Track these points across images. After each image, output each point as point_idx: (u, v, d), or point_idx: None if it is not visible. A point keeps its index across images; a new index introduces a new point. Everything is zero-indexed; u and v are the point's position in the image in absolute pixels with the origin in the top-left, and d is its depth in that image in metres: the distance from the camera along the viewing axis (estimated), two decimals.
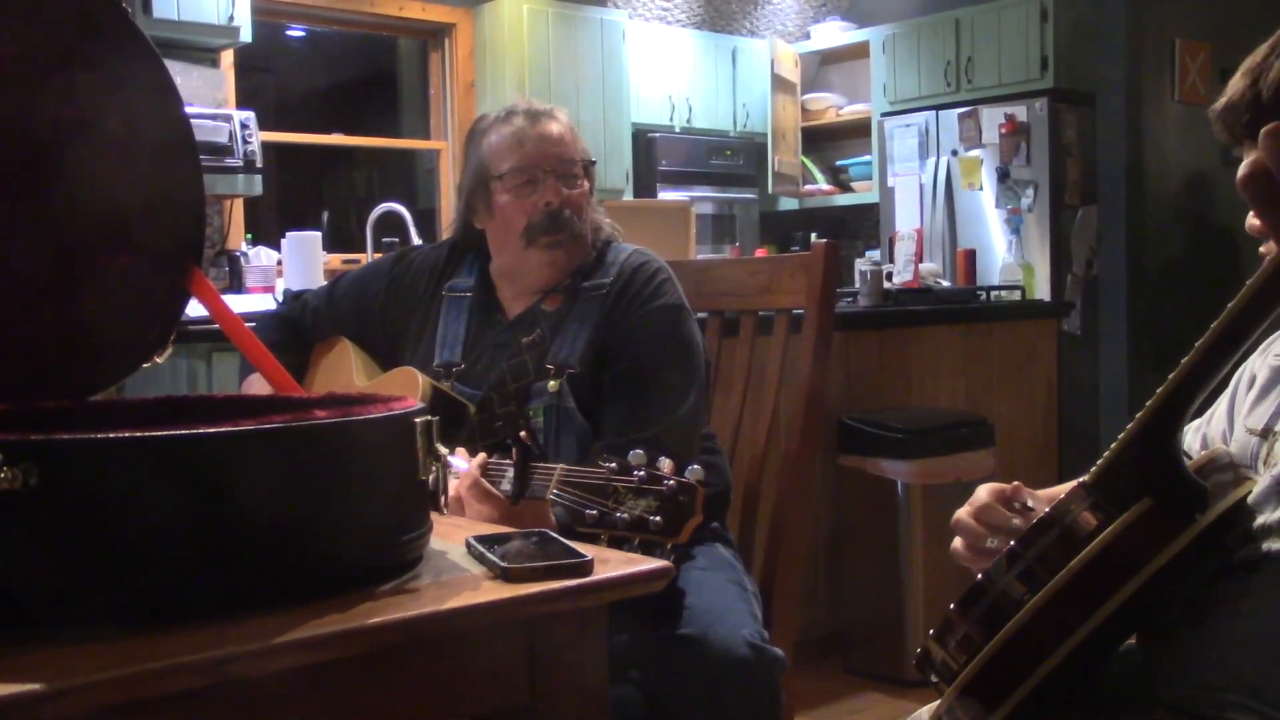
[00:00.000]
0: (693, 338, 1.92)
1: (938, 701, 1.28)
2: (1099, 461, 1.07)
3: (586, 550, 1.03)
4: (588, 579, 0.99)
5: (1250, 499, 1.10)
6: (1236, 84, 1.11)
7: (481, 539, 1.06)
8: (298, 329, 2.16)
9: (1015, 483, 1.25)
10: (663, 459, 1.36)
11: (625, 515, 1.33)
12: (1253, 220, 1.13)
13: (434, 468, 1.01)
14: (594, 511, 1.36)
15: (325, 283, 2.30)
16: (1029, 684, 1.04)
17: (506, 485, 1.58)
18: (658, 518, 1.32)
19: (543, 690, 1.00)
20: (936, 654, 1.11)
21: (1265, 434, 1.16)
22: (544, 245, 1.92)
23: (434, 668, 0.96)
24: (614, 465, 1.38)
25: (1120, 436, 1.06)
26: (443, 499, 1.03)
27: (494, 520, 1.56)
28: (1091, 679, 1.12)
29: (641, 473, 1.35)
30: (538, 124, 1.96)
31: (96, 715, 0.77)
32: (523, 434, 1.62)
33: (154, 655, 0.79)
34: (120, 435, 0.83)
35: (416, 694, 0.95)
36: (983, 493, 1.24)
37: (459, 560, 1.05)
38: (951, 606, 1.10)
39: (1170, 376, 1.02)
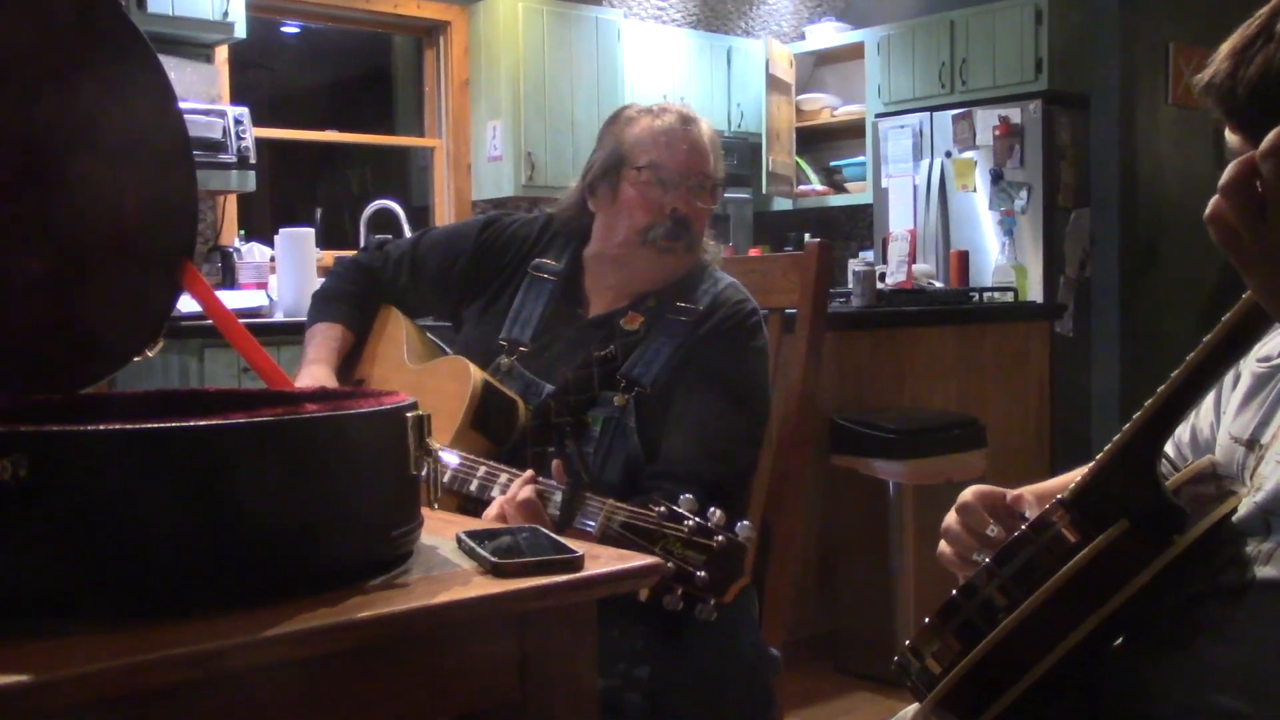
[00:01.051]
0: (768, 388, 1.90)
1: (915, 706, 1.28)
2: (1078, 479, 1.07)
3: (577, 546, 1.03)
4: (578, 574, 0.99)
5: (1236, 520, 1.10)
6: (1221, 64, 1.08)
7: (472, 534, 1.06)
8: (375, 280, 2.10)
9: (1019, 491, 1.23)
10: (714, 509, 1.33)
11: (671, 565, 1.30)
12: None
13: (425, 462, 1.01)
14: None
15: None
16: (1006, 698, 1.04)
17: (553, 510, 1.54)
18: (704, 573, 1.29)
19: (533, 686, 1.00)
20: (913, 664, 1.11)
21: (1250, 445, 1.16)
22: (660, 249, 1.88)
23: (424, 663, 0.95)
24: (664, 510, 1.35)
25: (1099, 456, 1.06)
26: (436, 493, 1.03)
27: None
28: (1069, 695, 1.12)
29: (692, 522, 1.32)
30: (687, 129, 1.91)
31: (85, 708, 0.77)
32: (556, 462, 1.58)
33: (143, 648, 0.79)
34: (110, 428, 0.83)
35: (407, 689, 0.95)
36: (967, 494, 1.23)
37: (450, 555, 1.05)
38: (928, 618, 1.10)
39: (1149, 402, 1.03)
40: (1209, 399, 1.28)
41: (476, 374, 1.81)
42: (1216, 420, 1.25)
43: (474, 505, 1.63)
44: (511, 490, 1.58)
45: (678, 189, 1.88)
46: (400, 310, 2.08)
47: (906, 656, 1.12)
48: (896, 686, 3.49)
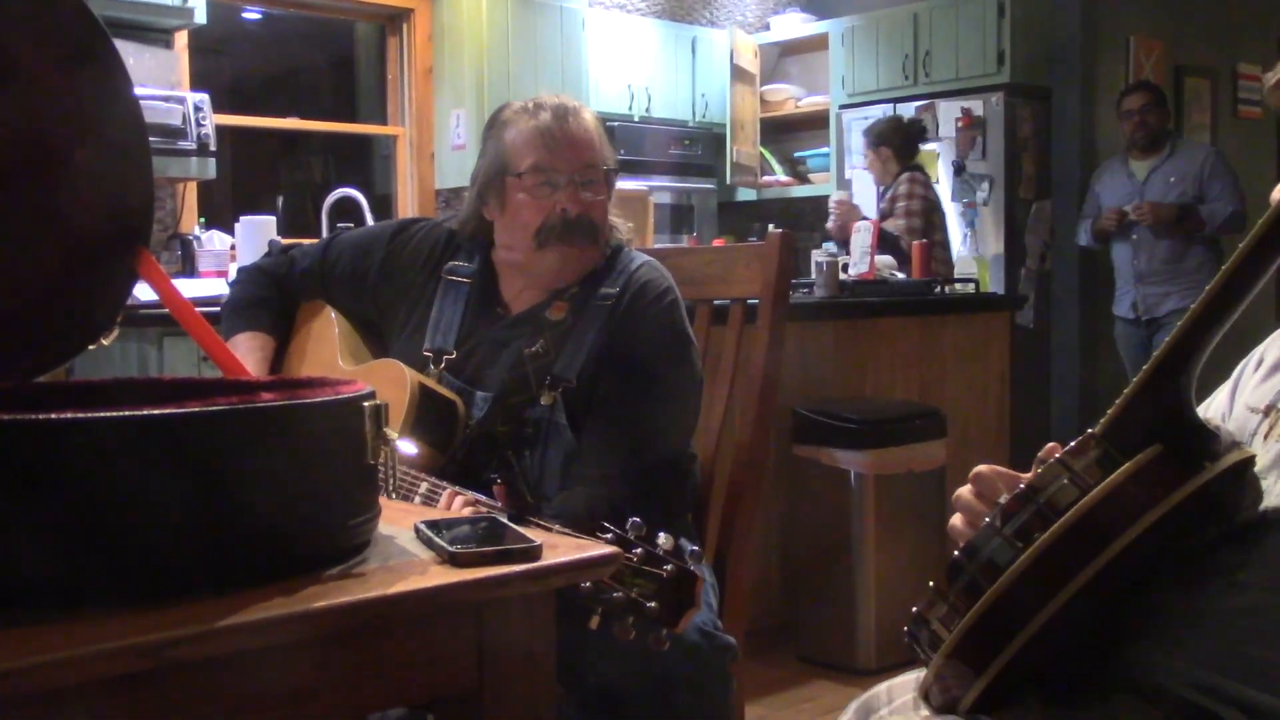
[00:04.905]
0: (694, 368, 1.89)
1: (919, 672, 1.28)
2: (1109, 411, 1.05)
3: (535, 535, 1.02)
4: (536, 564, 0.99)
5: (1257, 468, 1.09)
6: None
7: (430, 524, 1.06)
8: (282, 285, 2.07)
9: (1052, 445, 1.19)
10: (662, 535, 1.32)
11: (621, 595, 1.28)
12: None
13: (382, 452, 1.01)
14: (588, 585, 1.29)
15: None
16: (1022, 636, 1.01)
17: None
18: (654, 604, 1.27)
19: (491, 675, 1.00)
20: (922, 633, 1.10)
21: (1268, 411, 1.16)
22: (557, 250, 1.86)
23: (381, 652, 0.95)
24: (610, 535, 1.33)
25: (1129, 387, 1.04)
26: (390, 482, 1.03)
27: None
28: (1079, 648, 1.11)
29: (640, 550, 1.30)
30: (565, 123, 1.87)
31: (33, 699, 0.76)
32: (497, 484, 1.56)
33: (94, 638, 0.79)
34: (61, 416, 0.82)
35: (364, 678, 0.95)
36: (981, 467, 1.23)
37: (407, 545, 1.05)
38: (932, 582, 1.09)
39: (1179, 323, 1.01)
40: (1224, 393, 1.28)
41: (413, 377, 1.79)
42: (1230, 410, 1.25)
43: None
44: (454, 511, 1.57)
45: (565, 188, 1.86)
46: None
47: (914, 626, 1.11)
48: (861, 673, 3.51)
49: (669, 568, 1.29)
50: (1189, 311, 1.01)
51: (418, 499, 1.65)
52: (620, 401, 1.80)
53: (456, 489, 1.65)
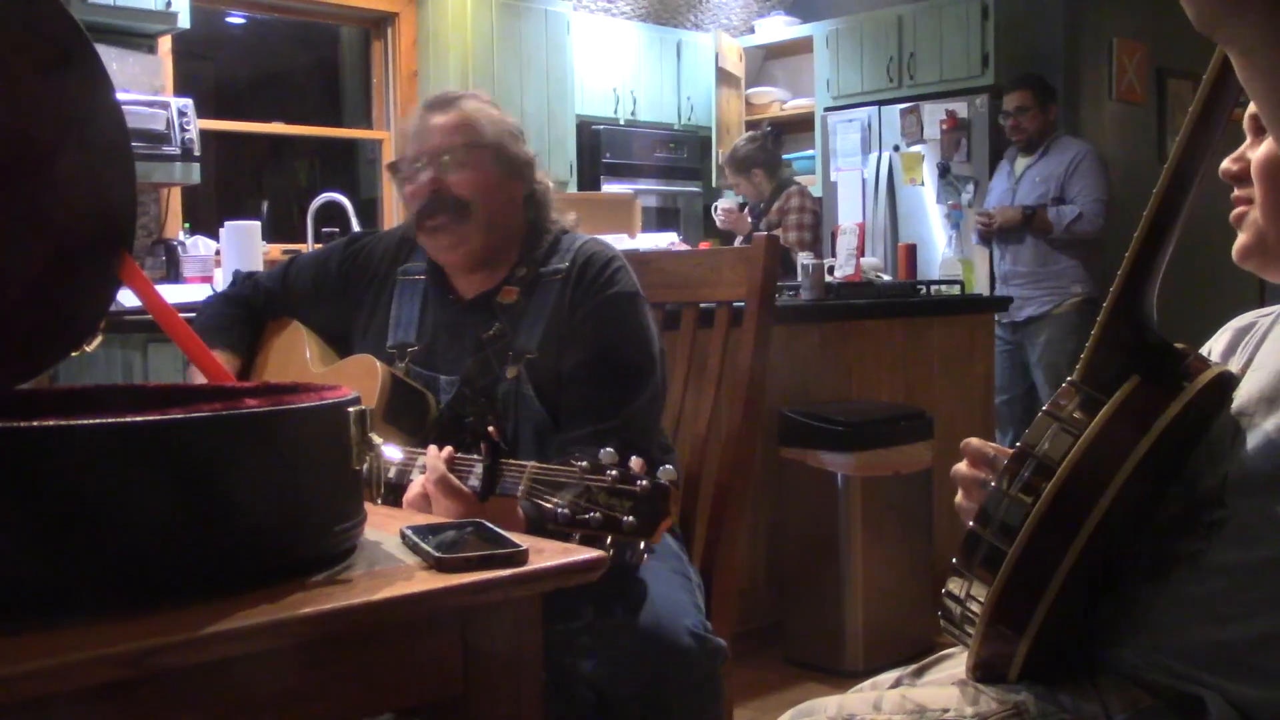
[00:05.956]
0: (647, 326, 1.92)
1: (872, 693, 1.29)
2: (1082, 356, 1.08)
3: (521, 540, 1.02)
4: (522, 569, 0.98)
5: (1235, 407, 1.10)
6: None
7: (416, 529, 1.06)
8: (248, 307, 2.15)
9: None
10: (634, 458, 1.36)
11: (598, 515, 1.33)
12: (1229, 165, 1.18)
13: (368, 457, 1.00)
14: (566, 511, 1.36)
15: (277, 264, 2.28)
16: (1055, 584, 1.03)
17: (474, 481, 1.55)
18: (631, 518, 1.32)
19: (476, 681, 0.99)
20: (955, 610, 1.11)
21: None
22: (428, 229, 1.94)
23: (367, 658, 0.95)
24: (586, 464, 1.38)
25: (1095, 328, 1.07)
26: (379, 489, 1.02)
27: (461, 517, 1.54)
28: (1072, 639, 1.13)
29: (614, 472, 1.35)
30: (431, 115, 1.97)
31: (17, 708, 0.75)
32: (490, 429, 1.60)
33: (79, 646, 0.78)
34: (44, 424, 0.81)
35: (349, 685, 0.95)
36: (973, 440, 1.25)
37: (393, 550, 1.04)
38: (954, 558, 1.10)
39: (1128, 253, 1.04)
40: None
41: (383, 368, 1.85)
42: None
43: (393, 495, 1.63)
44: (429, 466, 1.59)
45: (425, 170, 1.94)
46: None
47: (946, 603, 1.12)
48: (848, 675, 3.49)
49: (643, 483, 1.34)
50: (1135, 237, 1.04)
51: (392, 471, 1.68)
52: (588, 369, 1.84)
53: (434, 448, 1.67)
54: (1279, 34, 0.89)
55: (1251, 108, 1.14)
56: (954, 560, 1.10)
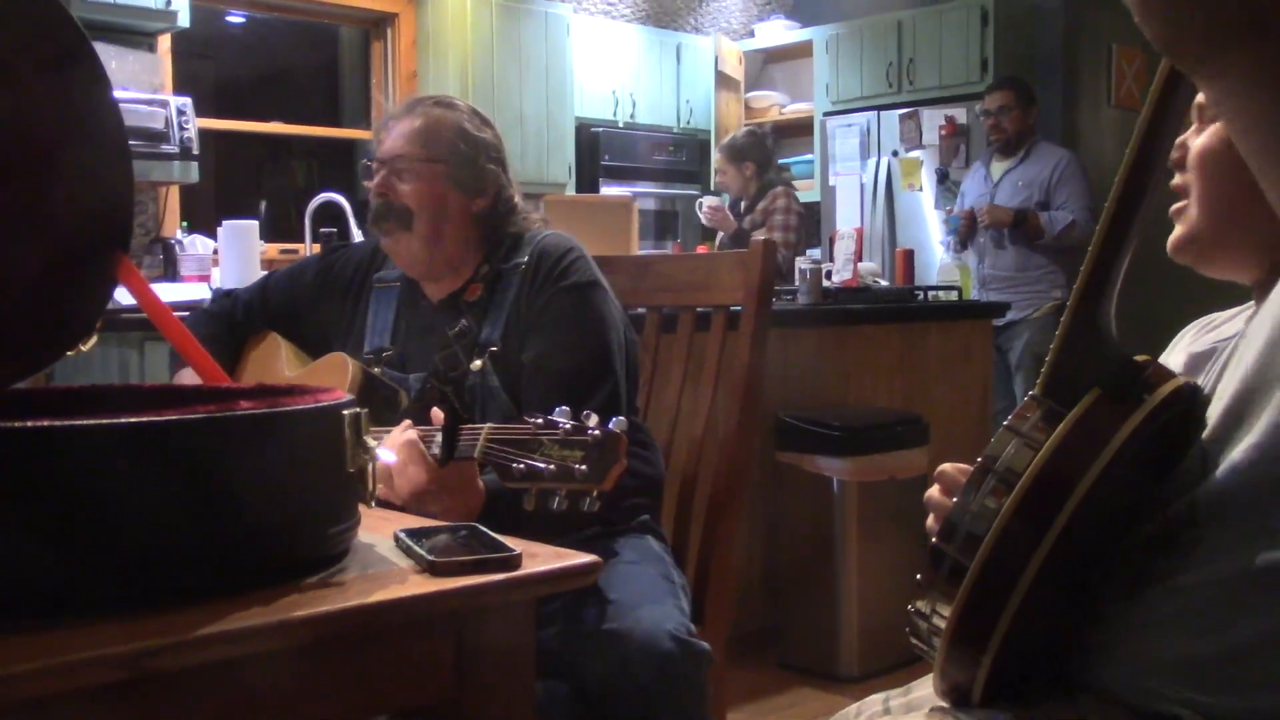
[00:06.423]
0: (605, 313, 1.93)
1: (882, 694, 1.29)
2: (1043, 369, 1.08)
3: (515, 544, 1.02)
4: (516, 573, 0.98)
5: (1207, 432, 1.10)
6: None
7: (410, 532, 1.06)
8: (229, 323, 2.18)
9: None
10: (589, 413, 1.39)
11: (552, 466, 1.36)
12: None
13: (362, 459, 1.00)
14: (521, 465, 1.38)
15: (259, 276, 2.32)
16: (1014, 601, 1.02)
17: (435, 450, 1.58)
18: (583, 466, 1.35)
19: (470, 684, 0.99)
20: (922, 626, 1.11)
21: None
22: (381, 232, 1.98)
23: (360, 662, 0.95)
24: (540, 421, 1.41)
25: (1054, 341, 1.07)
26: (371, 489, 1.02)
27: (422, 484, 1.57)
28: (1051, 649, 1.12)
29: (567, 425, 1.38)
30: (395, 119, 1.99)
31: (10, 710, 0.75)
32: (448, 392, 1.61)
33: (71, 648, 0.78)
34: (37, 424, 0.81)
35: (342, 688, 0.95)
36: (946, 466, 1.25)
37: (387, 553, 1.04)
38: (919, 575, 1.10)
39: (1082, 267, 1.05)
40: None
41: (354, 363, 1.88)
42: None
43: None
44: (393, 436, 1.62)
45: (377, 175, 1.97)
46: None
47: (913, 623, 1.12)
48: (843, 680, 3.49)
49: (594, 432, 1.36)
50: (1089, 251, 1.04)
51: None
52: (549, 358, 1.87)
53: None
54: (1274, 74, 0.83)
55: (1201, 95, 1.14)
56: (918, 576, 1.10)
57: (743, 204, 5.30)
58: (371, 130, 2.13)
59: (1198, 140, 1.15)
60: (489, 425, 1.50)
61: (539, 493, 1.37)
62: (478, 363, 1.90)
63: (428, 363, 1.96)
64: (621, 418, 1.40)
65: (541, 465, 1.37)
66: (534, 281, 1.93)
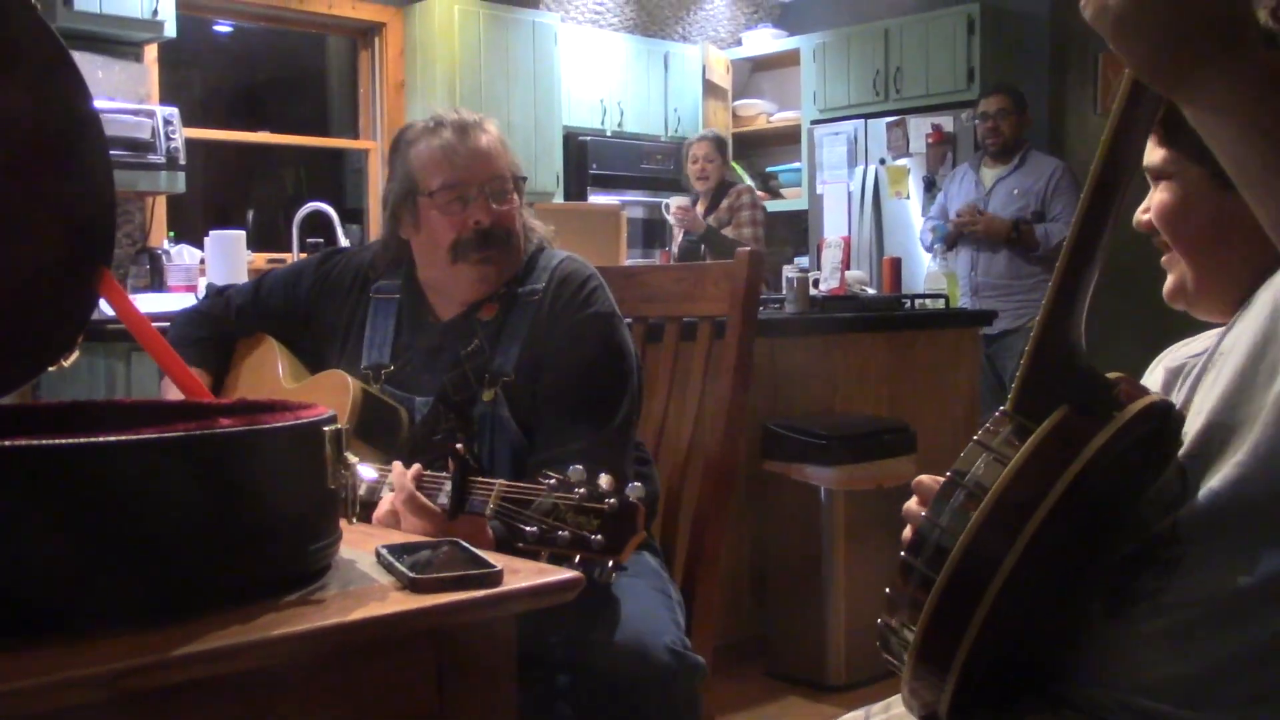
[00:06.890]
0: (623, 346, 1.91)
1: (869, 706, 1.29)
2: (1013, 385, 1.08)
3: (496, 560, 1.02)
4: (496, 590, 0.98)
5: (1184, 451, 1.10)
6: None
7: (391, 548, 1.06)
8: (219, 325, 2.12)
9: None
10: (602, 476, 1.36)
11: (566, 534, 1.33)
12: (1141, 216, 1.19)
13: (343, 476, 1.00)
14: (534, 529, 1.35)
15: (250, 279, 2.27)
16: (981, 611, 1.02)
17: (443, 499, 1.54)
18: (599, 536, 1.32)
19: (451, 701, 0.99)
20: (893, 640, 1.11)
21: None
22: (474, 261, 1.89)
23: (340, 679, 0.95)
24: (554, 482, 1.37)
25: (1024, 357, 1.07)
26: (353, 508, 1.02)
27: (430, 536, 1.53)
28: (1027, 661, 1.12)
29: (582, 490, 1.35)
30: (467, 138, 1.91)
31: None
32: (459, 446, 1.60)
33: (47, 669, 0.78)
34: (16, 444, 0.81)
35: (322, 706, 0.94)
36: (921, 477, 1.25)
37: (368, 570, 1.04)
38: (888, 588, 1.10)
39: (1050, 281, 1.05)
40: None
41: (355, 384, 1.83)
42: None
43: (366, 513, 1.62)
44: (396, 485, 1.58)
45: (475, 201, 1.89)
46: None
47: (882, 638, 1.12)
48: (830, 689, 3.48)
49: (611, 501, 1.33)
50: (1057, 267, 1.04)
51: (363, 487, 1.66)
52: (565, 388, 1.83)
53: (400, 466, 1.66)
54: (1246, 92, 0.83)
55: (1150, 158, 1.15)
56: (887, 590, 1.10)
57: (699, 202, 5.28)
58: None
59: (1155, 198, 1.17)
60: (500, 482, 1.47)
61: (551, 557, 1.33)
62: (489, 393, 1.85)
63: (432, 383, 1.89)
64: (637, 484, 1.36)
65: (556, 532, 1.33)
66: (552, 310, 1.88)
